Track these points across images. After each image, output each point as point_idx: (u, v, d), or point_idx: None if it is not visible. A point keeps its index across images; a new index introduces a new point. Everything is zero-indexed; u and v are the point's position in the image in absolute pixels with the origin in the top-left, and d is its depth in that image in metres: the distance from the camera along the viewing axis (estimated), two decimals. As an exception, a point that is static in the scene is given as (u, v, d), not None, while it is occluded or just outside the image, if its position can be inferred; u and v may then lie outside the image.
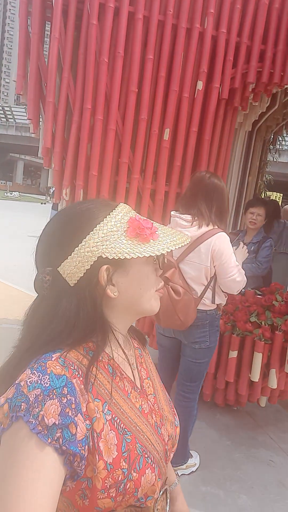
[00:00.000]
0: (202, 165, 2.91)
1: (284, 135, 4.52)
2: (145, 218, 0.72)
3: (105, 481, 0.62)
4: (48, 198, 30.32)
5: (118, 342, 0.73)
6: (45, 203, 26.91)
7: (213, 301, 1.90)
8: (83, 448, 0.60)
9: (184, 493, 2.17)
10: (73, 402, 0.60)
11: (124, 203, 0.77)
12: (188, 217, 1.84)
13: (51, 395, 0.58)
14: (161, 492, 0.75)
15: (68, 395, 0.60)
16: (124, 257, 0.66)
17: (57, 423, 0.57)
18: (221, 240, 1.81)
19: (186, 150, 2.87)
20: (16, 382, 0.61)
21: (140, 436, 0.70)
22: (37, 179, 41.43)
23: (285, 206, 4.44)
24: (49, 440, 0.56)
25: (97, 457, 0.62)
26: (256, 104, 3.23)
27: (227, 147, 3.15)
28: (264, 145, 4.35)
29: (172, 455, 0.82)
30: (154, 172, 2.86)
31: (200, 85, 2.81)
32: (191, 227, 1.81)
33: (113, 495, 0.63)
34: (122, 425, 0.67)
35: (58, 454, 0.57)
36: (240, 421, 2.84)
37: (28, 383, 0.59)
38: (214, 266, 1.83)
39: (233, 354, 2.58)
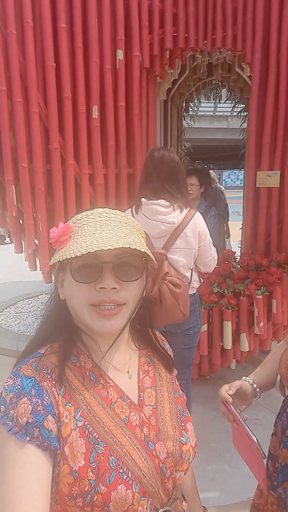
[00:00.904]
0: (135, 142, 2.75)
1: (195, 101, 4.54)
2: (65, 225, 0.70)
3: (72, 488, 0.61)
4: None
5: (86, 346, 0.73)
6: None
7: (199, 282, 1.84)
8: (58, 446, 0.62)
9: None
10: (40, 404, 0.61)
11: (99, 208, 0.74)
12: (165, 202, 1.70)
13: (21, 395, 0.61)
14: None
15: (35, 397, 0.62)
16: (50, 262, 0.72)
17: (30, 421, 0.59)
18: (201, 219, 1.75)
19: (117, 127, 2.67)
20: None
21: (117, 448, 0.65)
22: None
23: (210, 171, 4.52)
24: (28, 438, 0.58)
25: (61, 461, 0.62)
26: (170, 71, 3.14)
27: (154, 120, 3.04)
28: (178, 113, 4.33)
29: (179, 474, 0.73)
30: (88, 155, 2.62)
31: (120, 54, 2.61)
32: (174, 212, 1.68)
33: (80, 505, 0.62)
34: (94, 434, 0.65)
35: (42, 450, 0.59)
36: (216, 388, 2.89)
37: (6, 386, 0.63)
38: (198, 248, 1.76)
39: (204, 328, 2.59)
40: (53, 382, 0.65)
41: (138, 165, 2.77)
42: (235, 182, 21.53)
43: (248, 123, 2.58)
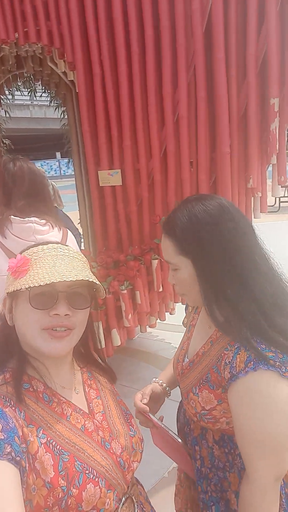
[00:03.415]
0: None
1: (6, 93, 4.20)
2: (23, 257, 0.76)
3: (47, 499, 0.67)
4: None
5: (36, 371, 0.78)
6: None
7: None
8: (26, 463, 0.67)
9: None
10: (7, 425, 0.66)
11: (53, 243, 0.81)
12: (39, 219, 1.53)
13: None
14: (122, 501, 0.79)
15: (1, 419, 0.66)
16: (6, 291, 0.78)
17: (2, 438, 0.63)
18: (74, 240, 1.67)
19: None
20: None
21: (79, 454, 0.74)
22: None
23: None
24: None
25: (34, 475, 0.67)
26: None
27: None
28: (-10, 107, 3.93)
29: (135, 464, 0.85)
30: None
31: None
32: (53, 231, 1.53)
33: None
34: (58, 447, 0.72)
35: (13, 464, 0.63)
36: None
37: None
38: None
39: (76, 334, 2.54)
40: (13, 408, 0.70)
41: None
42: (49, 172, 21.31)
43: (81, 124, 2.56)
